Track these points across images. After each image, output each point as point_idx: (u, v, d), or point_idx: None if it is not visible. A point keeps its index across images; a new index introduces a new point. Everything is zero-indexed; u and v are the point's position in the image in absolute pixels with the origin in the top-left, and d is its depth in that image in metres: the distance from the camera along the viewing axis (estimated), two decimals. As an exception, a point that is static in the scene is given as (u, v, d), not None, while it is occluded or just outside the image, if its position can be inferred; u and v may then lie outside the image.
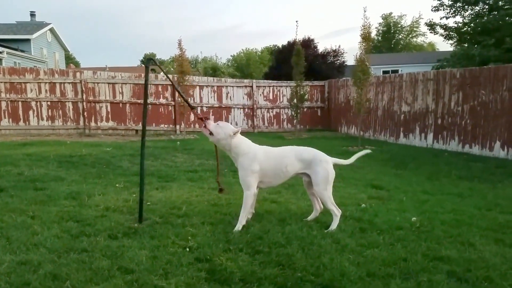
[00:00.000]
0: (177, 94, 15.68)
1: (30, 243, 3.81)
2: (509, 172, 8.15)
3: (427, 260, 3.59)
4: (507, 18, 22.57)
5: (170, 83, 16.04)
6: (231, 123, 17.37)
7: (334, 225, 4.35)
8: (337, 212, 4.43)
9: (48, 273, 3.21)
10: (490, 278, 3.26)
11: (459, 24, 26.06)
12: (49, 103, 15.24)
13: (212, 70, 54.34)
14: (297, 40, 16.84)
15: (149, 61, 4.64)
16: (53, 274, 3.19)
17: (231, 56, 71.54)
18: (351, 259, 3.54)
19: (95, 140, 13.30)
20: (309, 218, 4.69)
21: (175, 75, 15.40)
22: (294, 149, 4.60)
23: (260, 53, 66.19)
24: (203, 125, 4.41)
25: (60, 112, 15.36)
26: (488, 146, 10.37)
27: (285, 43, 27.71)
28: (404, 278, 3.25)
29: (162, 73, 18.33)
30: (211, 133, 4.38)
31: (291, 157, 4.47)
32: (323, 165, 4.44)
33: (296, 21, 24.24)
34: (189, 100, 15.56)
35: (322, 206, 4.70)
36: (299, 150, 4.58)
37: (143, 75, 16.41)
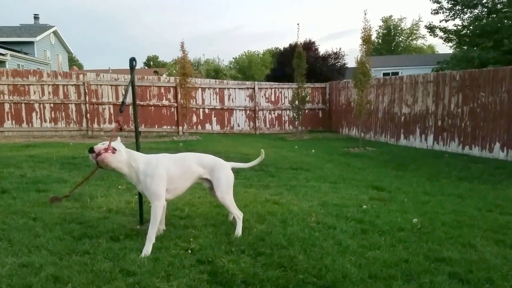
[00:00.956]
0: (179, 95, 15.71)
1: (32, 245, 3.81)
2: (508, 173, 8.16)
3: (429, 261, 3.60)
4: (505, 20, 22.60)
5: (172, 84, 16.08)
6: (233, 125, 17.51)
7: (239, 229, 4.23)
8: (239, 215, 4.33)
9: (50, 275, 3.21)
10: (492, 280, 3.27)
11: (459, 27, 26.13)
12: (52, 105, 15.29)
13: (215, 72, 54.45)
14: (298, 42, 16.88)
15: (132, 62, 4.62)
16: (55, 277, 3.19)
17: (233, 58, 71.82)
18: (352, 261, 3.55)
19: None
20: (231, 218, 4.64)
21: (177, 77, 15.44)
22: (193, 154, 4.46)
23: (262, 55, 66.29)
24: (96, 154, 3.79)
25: (63, 114, 15.41)
26: (488, 147, 10.38)
27: (286, 45, 27.83)
28: (406, 280, 3.25)
29: (164, 74, 18.35)
30: (114, 151, 3.81)
31: (192, 161, 4.28)
32: (224, 171, 4.35)
33: (298, 24, 24.34)
34: (192, 102, 15.63)
35: None
36: (198, 155, 4.44)
37: (146, 77, 16.48)
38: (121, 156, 3.86)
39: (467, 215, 5.08)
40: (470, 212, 5.24)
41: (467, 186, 7.08)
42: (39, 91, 15.15)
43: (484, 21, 23.92)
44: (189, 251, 3.74)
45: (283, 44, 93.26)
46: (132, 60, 4.41)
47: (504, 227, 4.63)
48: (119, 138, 4.05)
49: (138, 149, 4.67)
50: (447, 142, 11.64)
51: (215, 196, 4.34)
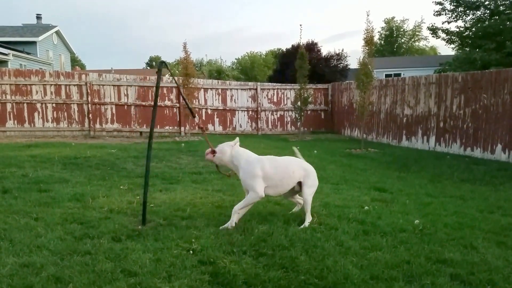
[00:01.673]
0: (181, 96, 15.70)
1: (33, 245, 3.81)
2: (510, 175, 8.13)
3: (430, 263, 3.59)
4: (507, 22, 22.61)
5: (175, 85, 16.08)
6: (235, 126, 17.43)
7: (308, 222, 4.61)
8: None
9: (51, 275, 3.21)
10: (493, 281, 3.26)
11: (461, 29, 26.14)
12: (54, 105, 15.32)
13: (217, 73, 54.44)
14: (301, 43, 16.87)
15: (161, 64, 4.65)
16: (56, 277, 3.19)
17: (235, 59, 71.71)
18: (354, 262, 3.55)
19: (100, 142, 13.35)
20: (295, 210, 5.11)
21: (180, 78, 15.46)
22: (296, 161, 4.86)
23: (264, 56, 66.29)
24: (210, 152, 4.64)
25: (65, 114, 15.44)
26: (490, 149, 10.36)
27: (289, 46, 27.79)
28: (407, 281, 3.25)
29: (167, 75, 18.40)
30: (214, 152, 4.61)
31: (295, 165, 4.74)
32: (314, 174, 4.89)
33: (300, 25, 24.25)
34: (194, 102, 15.67)
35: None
36: (298, 160, 4.91)
37: (148, 77, 16.49)
38: (223, 156, 4.56)
39: (469, 217, 5.06)
40: (472, 214, 5.22)
41: (469, 187, 7.07)
42: (41, 91, 15.19)
43: (487, 23, 23.94)
44: (191, 251, 3.74)
45: (285, 45, 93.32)
46: (162, 63, 4.65)
47: (506, 229, 4.62)
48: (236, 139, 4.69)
49: (149, 148, 4.64)
50: (449, 144, 11.62)
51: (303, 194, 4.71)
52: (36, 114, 15.22)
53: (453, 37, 26.79)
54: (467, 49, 25.81)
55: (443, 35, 27.04)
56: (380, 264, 3.51)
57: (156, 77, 4.65)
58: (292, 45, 26.19)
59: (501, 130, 10.05)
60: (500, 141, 10.08)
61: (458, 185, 7.26)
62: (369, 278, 3.29)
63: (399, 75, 32.01)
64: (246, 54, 68.10)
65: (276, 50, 60.09)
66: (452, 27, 26.39)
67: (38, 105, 15.21)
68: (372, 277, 3.30)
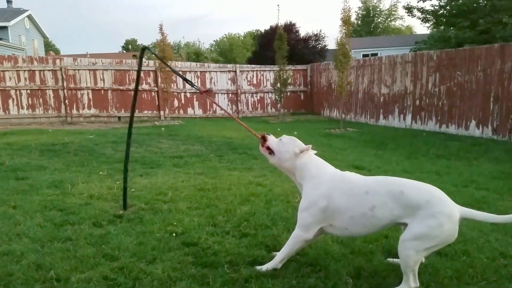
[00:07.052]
0: (160, 79, 15.52)
1: (13, 234, 3.78)
2: (484, 150, 8.38)
3: (408, 236, 3.68)
4: (481, 0, 22.80)
5: (152, 68, 15.86)
6: (215, 109, 17.28)
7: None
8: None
9: (32, 263, 3.20)
10: (468, 252, 3.39)
11: (436, 7, 26.26)
12: (28, 91, 14.92)
13: (195, 55, 53.76)
14: (279, 24, 16.78)
15: (143, 51, 4.56)
16: (37, 264, 3.18)
17: (214, 41, 70.96)
18: (334, 238, 3.62)
19: (78, 128, 13.15)
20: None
21: (157, 61, 15.25)
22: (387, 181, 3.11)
23: (243, 38, 65.76)
24: (262, 144, 3.35)
25: (41, 100, 15.06)
26: (464, 125, 10.63)
27: (267, 27, 27.61)
28: (386, 255, 3.34)
29: (144, 58, 18.08)
30: (271, 152, 3.31)
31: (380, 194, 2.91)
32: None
33: (278, 5, 24.13)
34: (172, 86, 15.48)
35: None
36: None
37: (124, 61, 16.18)
38: (278, 158, 3.31)
39: (445, 191, 5.06)
40: (448, 188, 5.35)
41: (445, 163, 7.24)
42: (14, 77, 14.75)
43: (461, 1, 24.10)
44: (174, 234, 3.76)
45: (264, 26, 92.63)
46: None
47: (480, 202, 4.78)
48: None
49: (129, 136, 4.54)
50: (425, 121, 11.85)
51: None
52: (10, 101, 14.81)
53: (428, 16, 26.93)
54: (442, 27, 26.02)
55: (418, 14, 27.15)
56: (359, 240, 3.59)
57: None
58: (271, 26, 26.02)
59: (475, 106, 10.29)
60: (474, 117, 10.32)
61: (434, 161, 7.44)
62: (349, 252, 3.38)
63: (376, 55, 32.21)
64: (224, 36, 67.47)
65: (254, 31, 59.63)
66: (427, 5, 26.40)
67: (12, 92, 14.78)
68: (352, 251, 3.39)
